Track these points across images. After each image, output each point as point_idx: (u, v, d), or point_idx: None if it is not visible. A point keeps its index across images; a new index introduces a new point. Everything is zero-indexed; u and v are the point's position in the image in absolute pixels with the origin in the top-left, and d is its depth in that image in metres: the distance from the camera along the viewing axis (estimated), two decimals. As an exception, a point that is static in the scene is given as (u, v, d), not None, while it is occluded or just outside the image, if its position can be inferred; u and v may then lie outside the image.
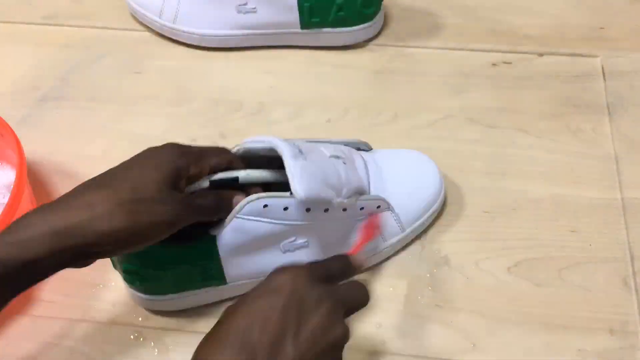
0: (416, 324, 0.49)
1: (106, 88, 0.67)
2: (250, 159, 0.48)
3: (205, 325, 0.49)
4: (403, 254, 0.53)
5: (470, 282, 0.51)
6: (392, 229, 0.51)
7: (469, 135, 0.60)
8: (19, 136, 0.53)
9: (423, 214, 0.52)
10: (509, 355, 0.47)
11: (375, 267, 0.52)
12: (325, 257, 0.45)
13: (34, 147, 0.61)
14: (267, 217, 0.45)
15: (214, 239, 0.45)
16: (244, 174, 0.47)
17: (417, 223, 0.52)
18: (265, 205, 0.45)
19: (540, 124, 0.61)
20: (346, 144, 0.53)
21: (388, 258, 0.52)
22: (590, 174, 0.57)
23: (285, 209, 0.45)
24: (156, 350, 0.48)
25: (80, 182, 0.50)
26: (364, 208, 0.49)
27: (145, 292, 0.49)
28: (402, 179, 0.52)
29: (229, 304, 0.37)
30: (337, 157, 0.48)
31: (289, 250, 0.47)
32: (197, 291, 0.49)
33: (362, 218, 0.49)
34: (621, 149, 0.58)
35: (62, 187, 0.58)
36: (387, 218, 0.51)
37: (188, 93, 0.66)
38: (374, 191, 0.50)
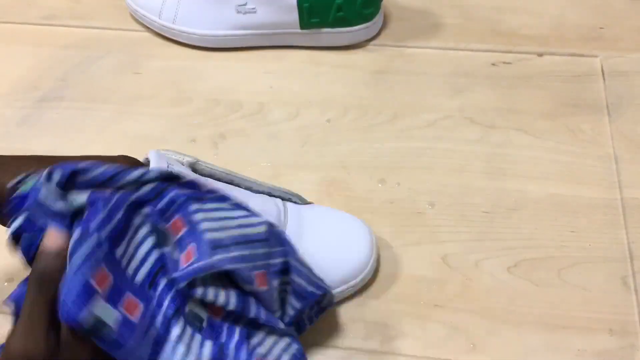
0: (416, 324, 0.49)
1: (106, 88, 0.67)
2: None
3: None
4: (402, 255, 0.53)
5: (470, 282, 0.51)
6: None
7: (469, 135, 0.60)
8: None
9: (339, 285, 0.47)
10: (509, 355, 0.47)
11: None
12: None
13: (34, 147, 0.61)
14: None
15: None
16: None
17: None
18: None
19: (539, 124, 0.61)
20: (273, 192, 0.49)
21: (387, 259, 0.52)
22: (590, 174, 0.57)
23: None
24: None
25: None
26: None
27: None
28: (325, 240, 0.47)
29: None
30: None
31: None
32: None
33: None
34: (621, 149, 0.58)
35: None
36: None
37: (188, 93, 0.66)
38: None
